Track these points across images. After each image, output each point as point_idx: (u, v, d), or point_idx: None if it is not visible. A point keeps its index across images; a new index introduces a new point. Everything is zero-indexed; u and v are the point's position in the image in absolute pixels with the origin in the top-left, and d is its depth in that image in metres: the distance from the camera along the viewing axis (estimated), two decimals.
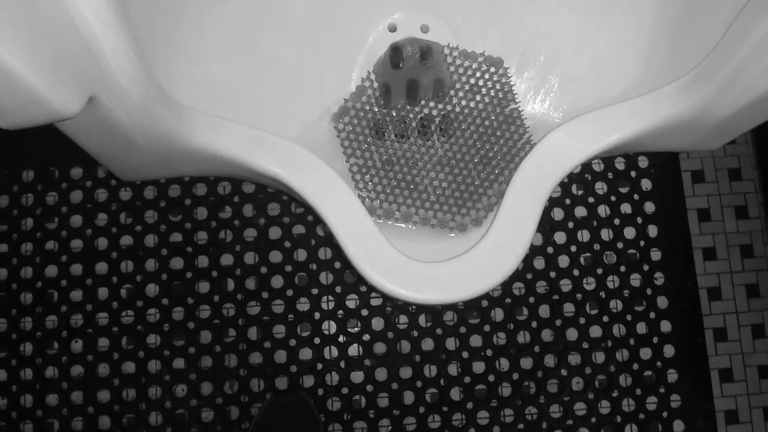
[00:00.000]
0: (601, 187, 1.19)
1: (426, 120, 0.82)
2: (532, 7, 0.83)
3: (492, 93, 0.82)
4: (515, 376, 1.15)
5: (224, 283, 1.14)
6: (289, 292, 1.14)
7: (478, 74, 0.83)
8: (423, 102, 0.83)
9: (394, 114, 0.82)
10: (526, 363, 1.15)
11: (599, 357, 1.16)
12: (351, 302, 1.15)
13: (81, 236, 1.14)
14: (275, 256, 1.15)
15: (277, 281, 1.15)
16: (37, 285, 1.13)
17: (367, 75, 0.83)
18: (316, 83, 0.84)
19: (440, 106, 0.82)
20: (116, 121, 0.60)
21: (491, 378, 1.14)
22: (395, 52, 0.83)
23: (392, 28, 0.85)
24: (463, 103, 0.82)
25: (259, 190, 1.16)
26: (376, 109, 0.82)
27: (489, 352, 1.15)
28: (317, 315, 1.14)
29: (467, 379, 1.14)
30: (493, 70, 0.83)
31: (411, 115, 0.82)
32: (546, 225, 1.18)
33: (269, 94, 0.82)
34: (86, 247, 1.14)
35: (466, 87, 0.82)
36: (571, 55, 0.83)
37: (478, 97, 0.82)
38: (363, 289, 1.15)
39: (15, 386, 1.11)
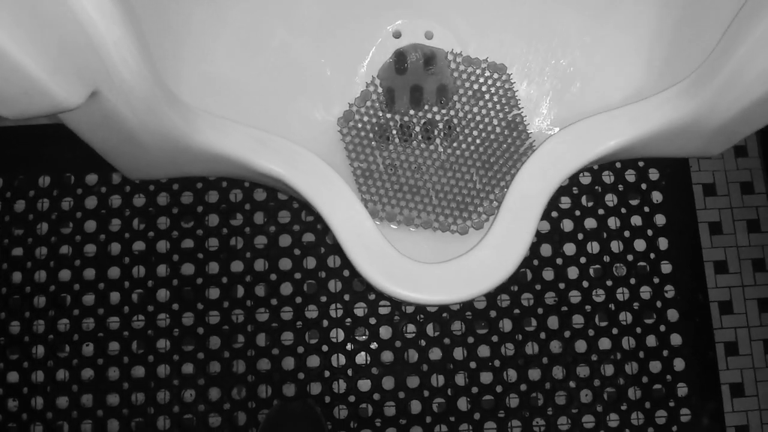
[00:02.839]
0: (611, 199, 1.19)
1: (429, 125, 0.83)
2: (535, 15, 0.84)
3: (495, 99, 0.83)
4: (523, 387, 1.14)
5: (234, 289, 1.15)
6: (298, 300, 1.15)
7: (481, 80, 0.84)
8: (427, 107, 0.83)
9: (398, 119, 0.83)
10: (534, 374, 1.15)
11: (608, 369, 1.15)
12: (359, 310, 1.15)
13: (94, 241, 1.16)
14: (285, 264, 1.16)
15: (287, 288, 1.16)
16: (50, 289, 1.15)
17: (371, 80, 0.84)
18: (321, 87, 0.85)
19: (444, 111, 0.83)
20: (121, 118, 0.61)
21: (499, 389, 1.14)
22: (399, 57, 0.84)
23: (397, 35, 0.86)
24: (467, 108, 0.83)
25: (270, 198, 1.18)
26: (381, 114, 0.83)
27: (497, 363, 1.15)
28: (325, 323, 1.15)
29: (475, 390, 1.14)
30: (496, 76, 0.84)
31: (415, 120, 0.83)
32: (555, 236, 1.18)
33: (275, 96, 0.83)
34: (99, 252, 1.16)
35: (470, 93, 0.83)
36: (573, 61, 0.84)
37: (481, 103, 0.83)
38: (371, 297, 1.16)
39: (26, 388, 1.12)
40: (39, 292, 1.15)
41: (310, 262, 1.17)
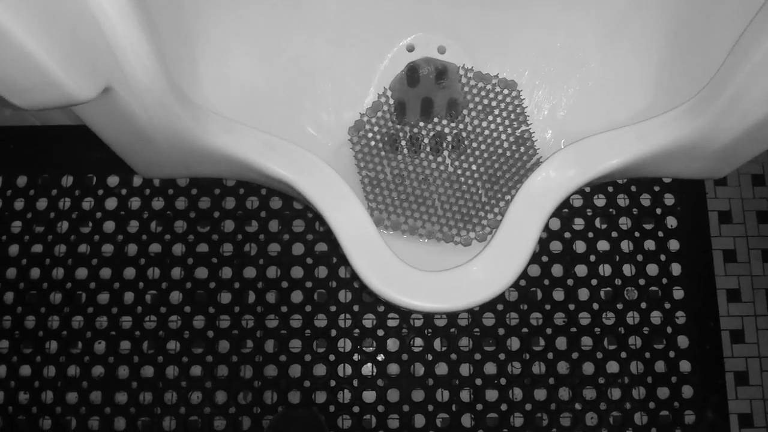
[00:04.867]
0: (625, 222, 1.19)
1: (438, 137, 0.84)
2: (547, 35, 0.85)
3: (504, 114, 0.84)
4: (528, 406, 1.14)
5: (246, 295, 1.17)
6: (308, 308, 1.16)
7: (491, 95, 0.85)
8: (436, 120, 0.85)
9: (408, 130, 0.84)
10: (540, 394, 1.14)
11: (615, 393, 1.14)
12: (368, 322, 1.16)
13: (112, 242, 1.19)
14: (296, 272, 1.18)
15: (297, 296, 1.17)
16: (66, 286, 1.17)
17: (383, 91, 0.86)
18: (334, 96, 0.87)
19: (453, 124, 0.84)
20: (134, 116, 0.63)
21: (504, 407, 1.14)
22: (412, 71, 0.86)
23: (410, 48, 0.88)
24: (476, 122, 0.84)
25: (286, 206, 1.19)
26: (391, 125, 0.85)
27: (503, 381, 1.15)
28: (334, 332, 1.16)
29: (479, 407, 1.14)
30: (506, 92, 0.85)
31: (424, 132, 0.84)
32: (567, 257, 1.18)
33: (289, 103, 0.85)
34: (116, 253, 1.18)
35: (479, 107, 0.84)
36: (582, 80, 0.85)
37: (490, 118, 0.84)
38: (380, 309, 1.16)
39: (38, 382, 1.14)
40: (55, 289, 1.17)
41: (322, 272, 1.18)
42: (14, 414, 1.14)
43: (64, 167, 1.22)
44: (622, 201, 1.20)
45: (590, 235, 1.19)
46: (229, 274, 1.18)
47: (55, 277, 1.18)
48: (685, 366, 1.15)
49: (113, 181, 1.21)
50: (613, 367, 1.15)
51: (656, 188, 1.20)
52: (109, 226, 1.19)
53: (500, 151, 0.83)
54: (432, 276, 0.70)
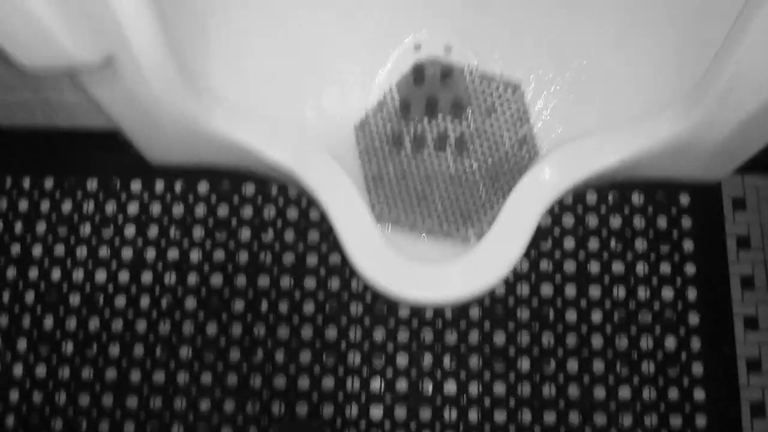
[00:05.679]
0: (641, 245, 1.18)
1: (442, 136, 0.85)
2: (555, 36, 0.86)
3: (507, 114, 0.85)
4: (537, 430, 1.12)
5: (258, 303, 1.18)
6: (319, 319, 1.17)
7: (495, 95, 0.86)
8: (440, 119, 0.86)
9: (412, 128, 0.86)
10: (550, 418, 1.12)
11: (627, 420, 1.12)
12: (378, 335, 1.16)
13: (132, 246, 1.21)
14: (309, 283, 1.19)
15: (309, 307, 1.18)
16: (85, 289, 1.20)
17: (389, 89, 0.88)
18: (340, 93, 0.89)
19: (457, 123, 0.86)
20: (138, 90, 0.66)
21: (512, 430, 1.12)
22: (417, 70, 0.88)
23: (417, 46, 0.90)
24: (479, 122, 0.85)
25: (302, 216, 1.21)
26: (395, 123, 0.86)
27: (512, 403, 1.13)
28: (343, 345, 1.16)
29: (487, 428, 1.12)
30: (509, 92, 0.86)
31: (428, 131, 0.86)
32: (581, 278, 1.17)
33: (294, 97, 0.87)
34: (135, 257, 1.21)
35: (483, 107, 0.86)
36: (587, 81, 0.86)
37: (493, 117, 0.85)
38: (391, 324, 1.16)
39: (52, 383, 1.16)
40: (74, 291, 1.20)
41: (335, 283, 1.19)
42: (27, 413, 1.15)
43: (88, 171, 1.25)
44: (638, 222, 1.19)
45: (605, 256, 1.18)
46: (243, 282, 1.19)
47: (75, 280, 1.20)
48: (699, 394, 1.12)
49: (136, 186, 1.24)
50: (624, 392, 1.13)
51: (673, 211, 1.19)
52: (130, 230, 1.22)
53: (502, 150, 0.84)
54: (427, 267, 0.71)
